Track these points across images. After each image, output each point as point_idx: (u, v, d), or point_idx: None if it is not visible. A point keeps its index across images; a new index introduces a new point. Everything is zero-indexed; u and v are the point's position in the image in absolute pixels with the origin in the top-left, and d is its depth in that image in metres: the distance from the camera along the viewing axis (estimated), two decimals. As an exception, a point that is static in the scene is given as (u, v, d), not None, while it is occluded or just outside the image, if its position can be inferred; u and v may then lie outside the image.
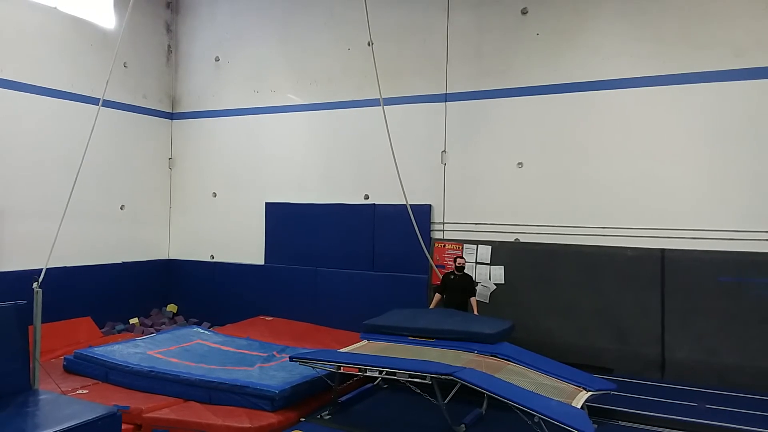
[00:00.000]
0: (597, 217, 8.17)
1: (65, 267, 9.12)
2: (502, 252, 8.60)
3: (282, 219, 10.33)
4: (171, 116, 11.53)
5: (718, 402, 6.47)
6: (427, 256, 8.80)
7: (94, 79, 9.47)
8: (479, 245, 8.74)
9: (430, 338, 6.86)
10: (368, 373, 5.80)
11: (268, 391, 5.92)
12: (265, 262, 10.45)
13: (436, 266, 8.78)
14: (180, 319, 10.73)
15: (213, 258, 10.99)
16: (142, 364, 6.75)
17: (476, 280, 8.55)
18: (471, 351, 6.54)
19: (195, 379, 6.31)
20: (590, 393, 5.84)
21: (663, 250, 7.72)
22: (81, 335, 8.90)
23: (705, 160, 7.65)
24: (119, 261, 10.32)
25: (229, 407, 5.94)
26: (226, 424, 5.54)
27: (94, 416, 4.59)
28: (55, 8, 9.33)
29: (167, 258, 11.39)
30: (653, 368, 7.63)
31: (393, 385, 6.77)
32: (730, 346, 7.29)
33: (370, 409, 6.37)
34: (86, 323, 9.25)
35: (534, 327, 8.13)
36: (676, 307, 7.58)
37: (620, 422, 6.08)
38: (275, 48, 10.54)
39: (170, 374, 6.46)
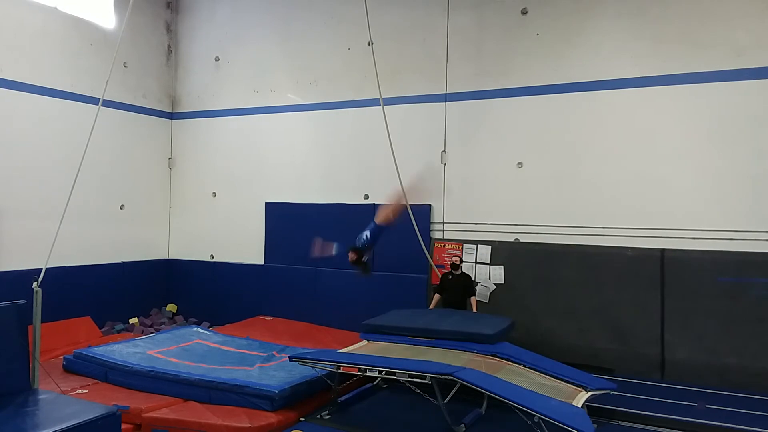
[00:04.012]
0: (597, 217, 8.17)
1: (65, 267, 9.12)
2: (501, 252, 8.60)
3: (282, 219, 10.32)
4: (171, 116, 11.53)
5: (718, 402, 6.46)
6: (427, 256, 8.80)
7: (94, 79, 9.46)
8: (479, 245, 8.74)
9: (429, 338, 6.86)
10: (368, 373, 5.79)
11: (268, 390, 5.92)
12: (264, 262, 10.44)
13: (436, 266, 8.77)
14: (180, 318, 10.73)
15: (213, 258, 10.98)
16: (141, 364, 6.76)
17: (476, 280, 8.55)
18: (471, 351, 6.54)
19: (195, 378, 6.32)
20: (590, 393, 5.85)
21: (663, 250, 7.72)
22: (81, 335, 8.90)
23: (705, 160, 7.64)
24: (119, 261, 10.32)
25: (228, 407, 5.94)
26: (226, 423, 5.54)
27: (94, 416, 4.59)
28: (55, 8, 9.33)
29: (167, 258, 11.39)
30: (653, 368, 7.63)
31: (393, 385, 6.77)
32: (730, 346, 7.29)
33: (370, 409, 6.37)
34: (86, 323, 9.24)
35: (534, 327, 8.12)
36: (676, 307, 7.58)
37: (620, 422, 6.07)
38: (275, 48, 10.54)
39: (170, 374, 6.46)
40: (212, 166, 11.12)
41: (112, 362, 6.88)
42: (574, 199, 8.31)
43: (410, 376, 5.47)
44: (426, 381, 5.41)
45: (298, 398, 6.19)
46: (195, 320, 10.50)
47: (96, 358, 7.02)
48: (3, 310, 5.16)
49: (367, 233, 7.16)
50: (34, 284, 5.64)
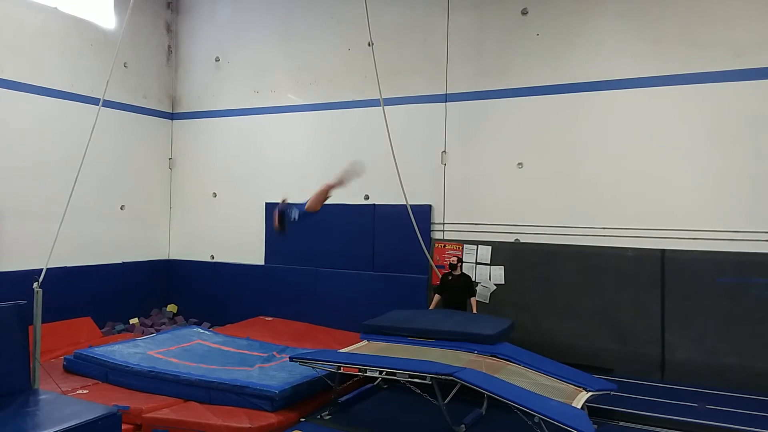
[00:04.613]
0: (597, 218, 8.17)
1: (65, 267, 9.12)
2: (502, 252, 8.60)
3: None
4: (171, 116, 11.53)
5: (718, 402, 6.47)
6: (427, 257, 8.80)
7: (95, 79, 9.46)
8: (479, 245, 8.74)
9: (429, 339, 6.86)
10: (368, 374, 5.80)
11: (268, 391, 5.93)
12: (265, 263, 10.44)
13: (436, 266, 8.77)
14: (180, 319, 10.73)
15: (213, 258, 10.99)
16: (142, 365, 6.76)
17: (476, 281, 8.55)
18: (471, 351, 6.54)
19: (195, 379, 6.32)
20: (590, 393, 5.84)
21: (663, 250, 7.72)
22: (81, 335, 8.90)
23: (705, 160, 7.64)
24: (119, 261, 10.32)
25: (229, 407, 5.94)
26: (226, 424, 5.55)
27: (94, 416, 4.59)
28: (56, 8, 9.33)
29: (167, 258, 11.39)
30: (653, 368, 7.63)
31: (393, 385, 6.77)
32: (730, 346, 7.29)
33: (370, 410, 6.37)
34: (86, 323, 9.24)
35: (534, 327, 8.13)
36: (676, 308, 7.58)
37: (620, 422, 6.07)
38: (275, 48, 10.54)
39: (170, 374, 6.46)
40: (212, 167, 11.12)
41: (112, 363, 6.88)
42: (574, 199, 8.31)
43: (410, 376, 5.47)
44: (426, 381, 5.41)
45: (299, 398, 6.19)
46: (195, 320, 10.50)
47: (96, 358, 7.02)
48: (3, 311, 5.16)
49: (296, 213, 6.92)
50: (35, 284, 5.65)
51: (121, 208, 10.47)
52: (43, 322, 5.69)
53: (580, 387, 5.95)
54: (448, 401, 5.53)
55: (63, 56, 9.45)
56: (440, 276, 8.43)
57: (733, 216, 7.46)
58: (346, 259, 9.69)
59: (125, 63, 10.44)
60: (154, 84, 11.18)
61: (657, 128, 7.89)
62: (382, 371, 5.69)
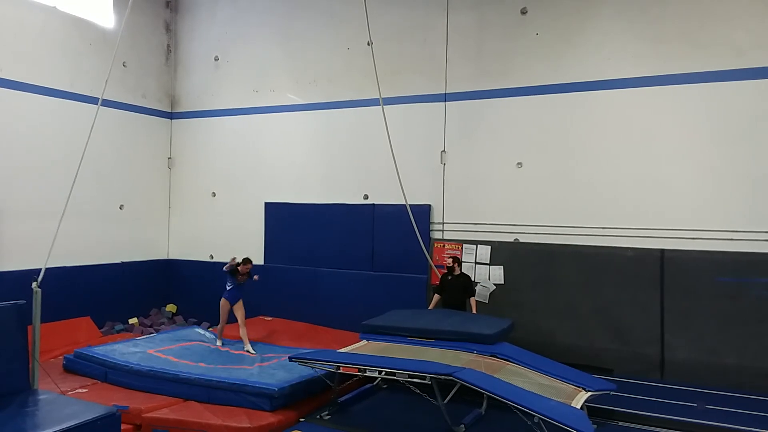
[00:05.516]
0: (597, 218, 8.17)
1: (64, 267, 9.11)
2: (501, 252, 8.59)
3: (281, 219, 10.31)
4: (170, 116, 11.52)
5: (718, 402, 6.46)
6: (426, 256, 8.79)
7: (94, 79, 9.46)
8: (479, 245, 8.73)
9: (429, 339, 6.85)
10: (368, 374, 5.79)
11: (267, 388, 5.92)
12: (264, 263, 10.43)
13: (436, 266, 8.77)
14: (179, 319, 10.73)
15: (212, 258, 10.97)
16: (141, 364, 6.76)
17: (476, 281, 8.55)
18: (470, 351, 6.54)
19: (195, 378, 6.32)
20: (590, 393, 5.84)
21: (663, 250, 7.71)
22: (80, 335, 8.90)
23: (705, 160, 7.64)
24: (118, 261, 10.31)
25: (228, 407, 5.95)
26: (226, 424, 5.55)
27: (94, 416, 4.59)
28: (55, 8, 9.32)
29: (166, 258, 11.38)
30: (653, 368, 7.62)
31: (392, 385, 6.77)
32: (729, 346, 7.29)
33: (370, 410, 6.37)
34: (85, 323, 9.24)
35: (533, 327, 8.11)
36: (676, 307, 7.58)
37: (620, 422, 6.07)
38: (275, 48, 10.54)
39: (170, 374, 6.46)
40: (212, 166, 11.11)
41: (112, 362, 6.87)
42: (573, 199, 8.31)
43: (410, 376, 5.47)
44: (426, 381, 5.41)
45: (298, 397, 6.19)
46: (195, 320, 10.48)
47: (96, 357, 7.02)
48: (3, 311, 5.16)
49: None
50: (34, 284, 5.64)
51: (120, 208, 10.46)
52: (42, 322, 5.68)
53: (579, 387, 5.95)
54: (448, 401, 5.52)
55: (62, 56, 9.44)
56: (440, 276, 8.43)
57: (732, 216, 7.46)
58: (345, 259, 9.69)
59: (124, 62, 10.43)
60: (153, 83, 11.17)
61: (657, 128, 7.89)
62: (382, 371, 5.69)
